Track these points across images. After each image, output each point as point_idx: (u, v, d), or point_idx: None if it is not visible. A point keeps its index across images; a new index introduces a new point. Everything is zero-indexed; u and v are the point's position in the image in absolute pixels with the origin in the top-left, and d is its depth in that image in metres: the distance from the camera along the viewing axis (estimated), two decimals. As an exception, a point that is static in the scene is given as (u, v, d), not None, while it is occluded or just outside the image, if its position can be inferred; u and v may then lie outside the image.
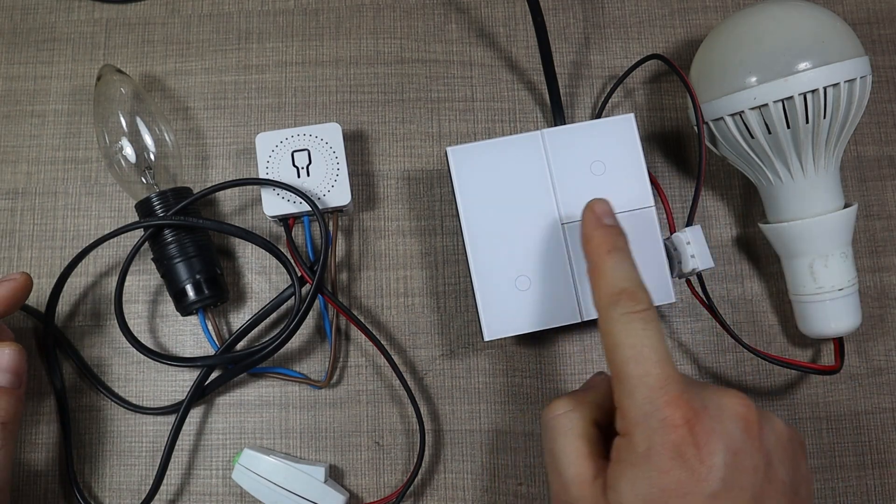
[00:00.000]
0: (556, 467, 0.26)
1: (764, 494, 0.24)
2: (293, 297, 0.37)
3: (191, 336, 0.39)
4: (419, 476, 0.37)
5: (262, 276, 0.39)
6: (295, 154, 0.37)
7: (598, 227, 0.28)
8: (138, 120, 0.37)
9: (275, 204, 0.37)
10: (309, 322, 0.39)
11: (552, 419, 0.27)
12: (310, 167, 0.37)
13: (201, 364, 0.36)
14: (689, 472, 0.23)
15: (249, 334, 0.38)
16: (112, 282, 0.39)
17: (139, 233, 0.36)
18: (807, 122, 0.34)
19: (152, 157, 0.37)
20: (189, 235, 0.36)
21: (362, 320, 0.38)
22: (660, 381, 0.24)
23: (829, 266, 0.35)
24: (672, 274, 0.34)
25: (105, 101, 0.37)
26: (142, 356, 0.38)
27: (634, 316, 0.25)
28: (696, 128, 0.37)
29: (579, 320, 0.34)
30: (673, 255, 0.35)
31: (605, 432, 0.27)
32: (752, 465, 0.24)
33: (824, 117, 0.33)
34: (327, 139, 0.37)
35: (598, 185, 0.34)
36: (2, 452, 0.31)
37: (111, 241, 0.39)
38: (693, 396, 0.24)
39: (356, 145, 0.41)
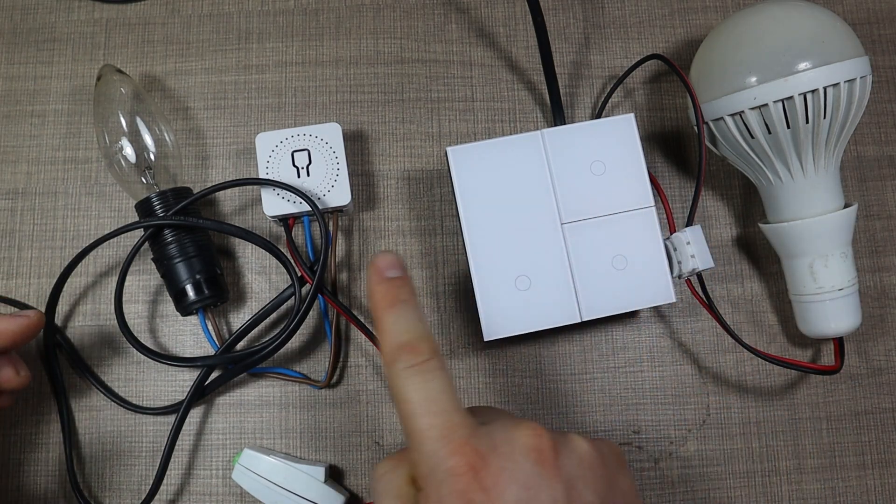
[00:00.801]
0: None
1: None
2: (293, 297, 0.37)
3: (191, 336, 0.39)
4: (419, 476, 0.37)
5: (262, 276, 0.39)
6: (295, 154, 0.37)
7: (380, 282, 0.27)
8: (138, 120, 0.37)
9: (275, 204, 0.37)
10: (309, 322, 0.39)
11: (374, 482, 0.27)
12: (310, 167, 0.37)
13: (201, 364, 0.36)
14: None
15: (249, 334, 0.38)
16: (112, 282, 0.39)
17: (139, 233, 0.36)
18: (807, 122, 0.34)
19: (152, 157, 0.37)
20: (189, 235, 0.36)
21: (362, 320, 0.38)
22: (443, 431, 0.24)
23: (829, 266, 0.35)
24: (672, 274, 0.34)
25: (105, 101, 0.37)
26: (142, 356, 0.38)
27: (414, 369, 0.25)
28: (696, 128, 0.37)
29: (579, 320, 0.34)
30: (673, 255, 0.35)
31: None
32: (550, 497, 0.23)
33: (824, 117, 0.33)
34: (327, 139, 0.37)
35: (598, 185, 0.35)
36: None
37: (111, 241, 0.39)
38: (481, 440, 0.24)
39: (356, 145, 0.41)
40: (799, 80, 0.33)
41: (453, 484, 0.23)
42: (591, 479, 0.24)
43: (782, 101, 0.34)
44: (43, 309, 0.37)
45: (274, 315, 0.38)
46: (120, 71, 0.38)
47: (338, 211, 0.38)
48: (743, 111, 0.34)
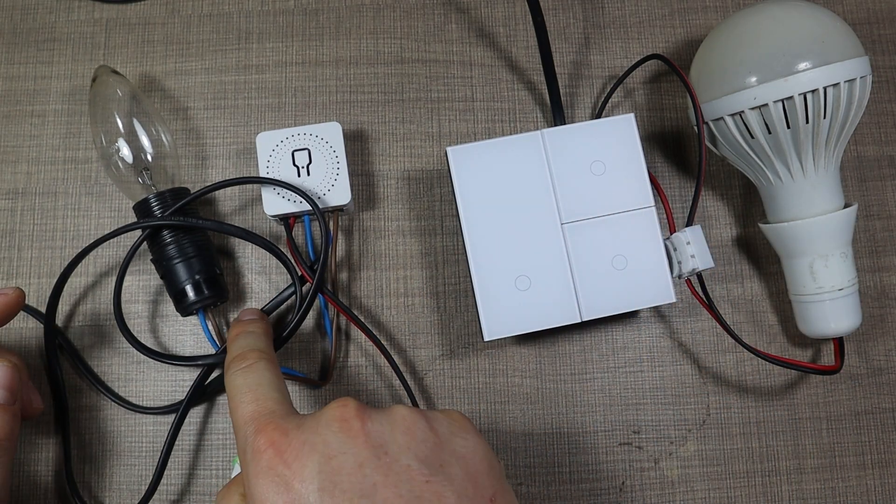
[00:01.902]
0: None
1: (377, 488, 0.22)
2: (293, 297, 0.37)
3: (191, 336, 0.39)
4: (419, 476, 0.37)
5: (262, 276, 0.39)
6: (295, 153, 0.37)
7: (236, 324, 0.33)
8: (134, 121, 0.37)
9: (275, 203, 0.37)
10: (309, 321, 0.39)
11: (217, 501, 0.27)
12: (310, 167, 0.37)
13: (201, 363, 0.36)
14: (285, 493, 0.22)
15: (249, 334, 0.38)
16: (112, 282, 0.39)
17: (139, 233, 0.36)
18: (807, 122, 0.34)
19: (149, 157, 0.37)
20: (188, 236, 0.36)
21: (362, 319, 0.38)
22: (253, 415, 0.25)
23: (829, 266, 0.35)
24: (672, 274, 0.34)
25: (101, 102, 0.37)
26: (142, 356, 0.38)
27: (238, 371, 0.28)
28: (696, 128, 0.37)
29: (579, 320, 0.34)
30: (673, 255, 0.35)
31: None
32: (356, 463, 0.23)
33: (824, 117, 0.33)
34: (328, 138, 0.37)
35: (598, 186, 0.35)
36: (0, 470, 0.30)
37: (111, 241, 0.39)
38: (286, 420, 0.24)
39: (356, 145, 0.41)
40: (799, 80, 0.33)
41: (258, 462, 0.23)
42: (410, 444, 0.24)
43: (782, 101, 0.34)
44: (43, 309, 0.37)
45: (274, 315, 0.38)
46: (115, 72, 0.38)
47: (338, 210, 0.38)
48: (743, 111, 0.34)
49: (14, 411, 0.32)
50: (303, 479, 0.22)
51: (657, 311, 0.39)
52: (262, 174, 0.37)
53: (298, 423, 0.24)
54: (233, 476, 0.35)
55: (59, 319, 0.39)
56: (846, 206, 0.36)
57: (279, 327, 0.38)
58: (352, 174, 0.40)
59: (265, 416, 0.25)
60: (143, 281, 0.39)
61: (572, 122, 0.41)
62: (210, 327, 0.37)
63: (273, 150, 0.37)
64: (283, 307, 0.38)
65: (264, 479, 0.23)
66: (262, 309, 0.38)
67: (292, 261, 0.37)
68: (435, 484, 0.23)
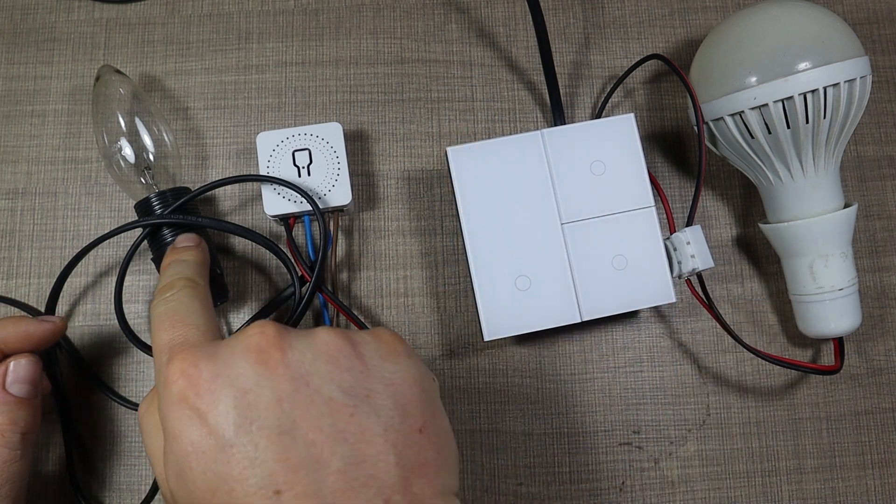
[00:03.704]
0: (152, 468, 0.25)
1: (296, 422, 0.21)
2: (293, 296, 0.37)
3: (191, 336, 0.39)
4: (419, 476, 0.37)
5: (262, 276, 0.39)
6: (296, 153, 0.37)
7: (170, 252, 0.32)
8: (137, 120, 0.37)
9: (275, 203, 0.37)
10: (309, 321, 0.39)
11: (139, 421, 0.26)
12: (310, 167, 0.37)
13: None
14: (198, 427, 0.21)
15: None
16: (112, 281, 0.39)
17: (139, 232, 0.36)
18: (807, 122, 0.34)
19: (151, 157, 0.37)
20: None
21: (362, 319, 0.38)
22: (168, 343, 0.24)
23: (829, 266, 0.35)
24: (672, 274, 0.34)
25: (104, 101, 0.37)
26: (142, 355, 0.38)
27: (162, 301, 0.27)
28: (696, 128, 0.37)
29: (579, 320, 0.34)
30: (673, 255, 0.35)
31: None
32: (274, 397, 0.21)
33: (824, 117, 0.33)
34: (328, 139, 0.37)
35: (598, 185, 0.35)
36: (21, 462, 0.31)
37: (111, 240, 0.39)
38: (199, 349, 0.23)
39: (356, 145, 0.41)
40: (799, 80, 0.33)
41: (170, 392, 0.22)
42: (333, 372, 0.22)
43: (782, 101, 0.34)
44: (43, 309, 0.37)
45: (274, 314, 0.38)
46: (118, 71, 0.38)
47: (338, 210, 0.38)
48: (743, 111, 0.34)
49: (36, 405, 0.32)
50: (217, 413, 0.21)
51: (657, 311, 0.39)
52: (263, 174, 0.37)
53: (211, 352, 0.23)
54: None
55: (59, 319, 0.39)
56: (846, 206, 0.36)
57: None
58: (352, 174, 0.40)
59: (178, 344, 0.24)
60: (143, 280, 0.39)
61: (572, 122, 0.41)
62: (210, 327, 0.37)
63: (273, 150, 0.37)
64: (283, 307, 0.38)
65: (177, 410, 0.22)
66: (262, 309, 0.38)
67: (292, 260, 0.37)
68: (359, 416, 0.22)
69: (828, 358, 0.39)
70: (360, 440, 0.21)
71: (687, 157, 0.41)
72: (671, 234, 0.35)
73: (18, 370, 0.32)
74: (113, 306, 0.37)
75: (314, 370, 0.22)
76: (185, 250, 0.32)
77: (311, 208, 0.36)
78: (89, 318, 0.39)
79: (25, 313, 0.38)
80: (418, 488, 0.22)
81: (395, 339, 0.25)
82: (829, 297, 0.35)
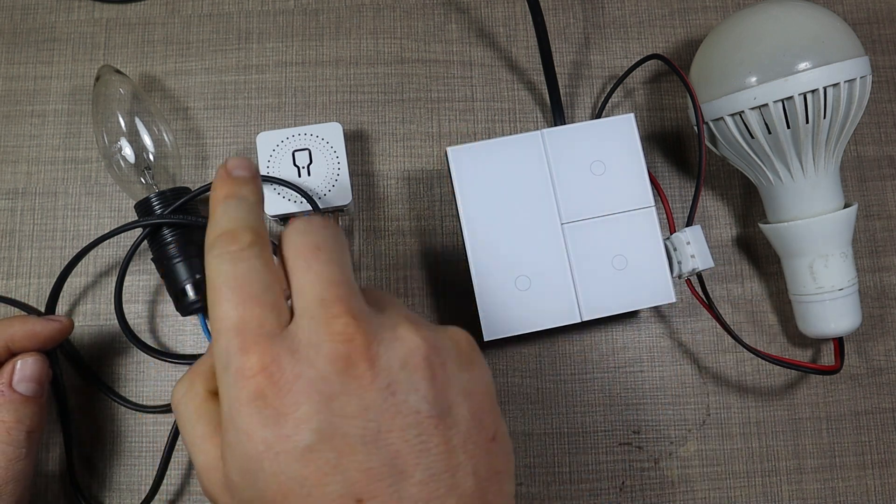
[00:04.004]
0: (191, 456, 0.23)
1: (381, 433, 0.20)
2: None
3: (191, 336, 0.39)
4: (419, 476, 0.37)
5: (262, 276, 0.39)
6: (296, 153, 0.37)
7: (223, 180, 0.25)
8: (137, 120, 0.37)
9: (276, 203, 0.37)
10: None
11: (174, 408, 0.24)
12: (310, 167, 0.37)
13: (201, 364, 0.36)
14: (274, 428, 0.20)
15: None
16: (112, 281, 0.39)
17: (139, 232, 0.36)
18: (807, 122, 0.34)
19: (151, 157, 0.37)
20: (188, 235, 0.36)
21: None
22: (240, 322, 0.21)
23: (829, 266, 0.35)
24: (672, 274, 0.34)
25: (104, 101, 0.37)
26: (142, 355, 0.38)
27: (226, 255, 0.23)
28: (696, 128, 0.37)
29: (579, 320, 0.34)
30: (673, 255, 0.35)
31: None
32: (360, 407, 0.20)
33: (824, 117, 0.33)
34: (328, 139, 0.37)
35: (598, 185, 0.35)
36: (26, 461, 0.31)
37: (110, 240, 0.39)
38: (278, 342, 0.21)
39: (356, 145, 0.41)
40: (799, 80, 0.33)
41: (242, 386, 0.20)
42: (418, 382, 0.21)
43: (782, 101, 0.34)
44: (43, 309, 0.37)
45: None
46: (118, 71, 0.38)
47: (338, 210, 0.38)
48: (743, 111, 0.34)
49: (42, 403, 0.32)
50: (298, 418, 0.20)
51: (657, 311, 0.39)
52: (263, 174, 0.37)
53: (293, 347, 0.21)
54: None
55: (60, 319, 0.39)
56: (846, 206, 0.36)
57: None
58: (352, 174, 0.40)
59: (254, 329, 0.21)
60: (143, 280, 0.39)
61: (572, 122, 0.41)
62: (210, 327, 0.37)
63: (273, 150, 0.37)
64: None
65: (249, 407, 0.20)
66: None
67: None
68: (442, 428, 0.21)
69: (828, 358, 0.39)
70: (441, 451, 0.21)
71: (687, 157, 0.41)
72: (671, 234, 0.35)
73: (25, 369, 0.32)
74: (113, 306, 0.37)
75: (401, 380, 0.21)
76: (244, 183, 0.25)
77: (311, 208, 0.36)
78: (89, 318, 0.39)
79: (26, 313, 0.38)
80: (492, 497, 0.22)
81: (470, 345, 0.24)
82: (829, 297, 0.35)
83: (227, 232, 0.23)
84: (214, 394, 0.23)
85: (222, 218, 0.24)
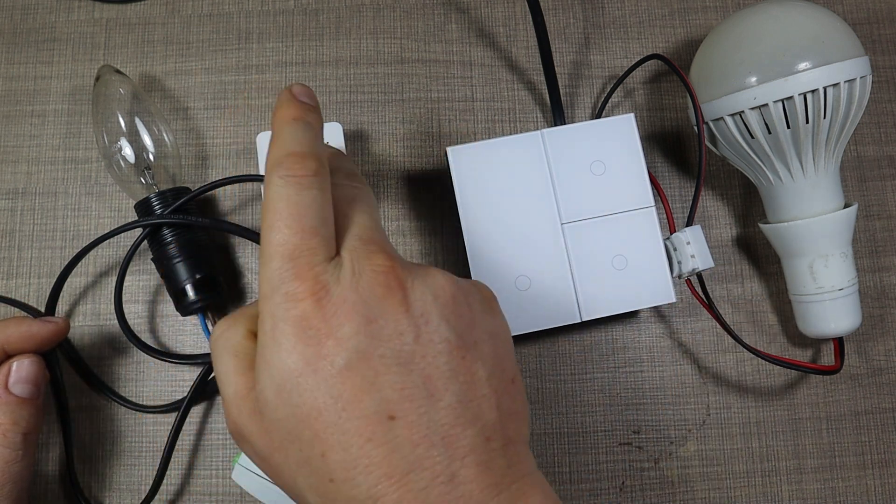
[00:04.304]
0: (220, 388, 0.24)
1: (414, 357, 0.22)
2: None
3: (191, 336, 0.39)
4: (419, 476, 0.37)
5: (262, 276, 0.39)
6: (295, 154, 0.37)
7: (291, 101, 0.26)
8: (137, 120, 0.37)
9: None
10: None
11: (212, 343, 0.25)
12: (310, 167, 0.37)
13: (201, 361, 0.36)
14: (315, 347, 0.21)
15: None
16: (112, 281, 0.39)
17: (139, 232, 0.36)
18: (807, 122, 0.34)
19: (151, 157, 0.37)
20: (188, 235, 0.36)
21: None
22: (294, 250, 0.22)
23: (829, 266, 0.35)
24: (672, 274, 0.34)
25: (104, 101, 0.37)
26: (142, 356, 0.38)
27: (292, 179, 0.23)
28: (696, 128, 0.37)
29: (579, 320, 0.34)
30: (673, 255, 0.35)
31: None
32: (396, 331, 0.22)
33: (824, 117, 0.33)
34: (329, 139, 0.37)
35: (598, 185, 0.35)
36: (23, 462, 0.31)
37: (110, 240, 0.39)
38: (326, 270, 0.22)
39: (356, 145, 0.41)
40: (799, 80, 0.33)
41: (289, 308, 0.22)
42: (449, 316, 0.23)
43: (782, 101, 0.34)
44: (43, 309, 0.37)
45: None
46: (118, 71, 0.38)
47: (338, 211, 0.38)
48: (743, 111, 0.34)
49: (39, 405, 0.32)
50: (339, 338, 0.21)
51: (657, 311, 0.39)
52: (263, 174, 0.37)
53: (338, 276, 0.22)
54: (233, 475, 0.35)
55: (60, 319, 0.39)
56: (846, 206, 0.36)
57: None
58: (352, 174, 0.40)
59: (308, 258, 0.22)
60: (143, 280, 0.39)
61: (572, 122, 0.41)
62: (210, 327, 0.37)
63: (273, 150, 0.37)
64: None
65: (294, 327, 0.21)
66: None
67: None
68: (469, 360, 0.23)
69: (828, 358, 0.39)
70: (469, 381, 0.22)
71: (687, 157, 0.41)
72: (671, 234, 0.35)
73: (21, 370, 0.32)
74: (113, 306, 0.37)
75: (432, 311, 0.23)
76: (310, 110, 0.26)
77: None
78: (89, 318, 0.39)
79: (26, 313, 0.38)
80: (512, 432, 0.23)
81: (492, 296, 0.26)
82: (829, 297, 0.35)
83: (294, 154, 0.23)
84: (253, 334, 0.24)
85: (290, 139, 0.24)
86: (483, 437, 0.22)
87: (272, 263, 0.22)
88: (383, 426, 0.21)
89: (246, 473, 0.35)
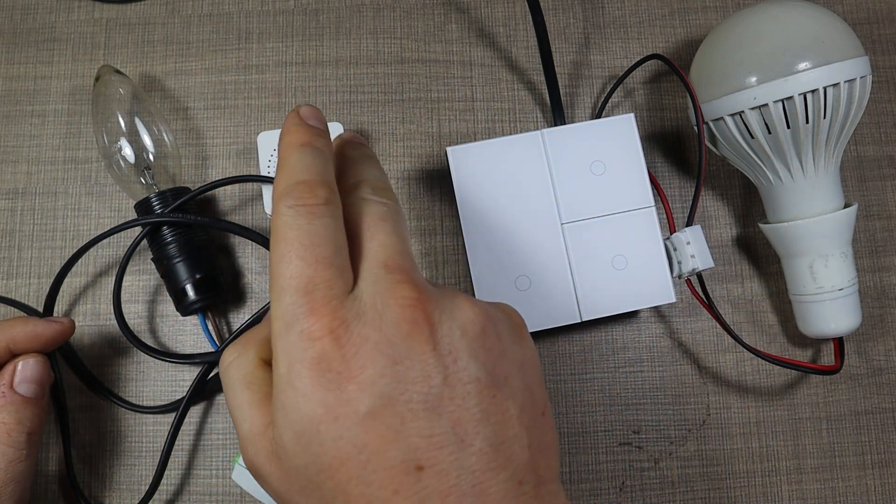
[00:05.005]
0: (235, 424, 0.23)
1: (442, 400, 0.20)
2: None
3: (191, 336, 0.39)
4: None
5: (261, 276, 0.39)
6: (295, 154, 0.37)
7: (299, 125, 0.24)
8: (137, 120, 0.37)
9: (275, 204, 0.37)
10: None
11: (221, 373, 0.24)
12: (310, 167, 0.37)
13: (200, 361, 0.36)
14: (336, 392, 0.20)
15: (249, 334, 0.38)
16: (111, 281, 0.39)
17: (138, 231, 0.36)
18: (807, 122, 0.34)
19: (151, 157, 0.37)
20: (188, 234, 0.36)
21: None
22: (308, 283, 0.20)
23: (829, 266, 0.35)
24: (672, 274, 0.34)
25: (103, 101, 0.37)
26: (142, 356, 0.38)
27: (302, 209, 0.21)
28: (696, 128, 0.37)
29: (579, 320, 0.34)
30: (673, 255, 0.35)
31: None
32: (423, 373, 0.20)
33: (824, 117, 0.33)
34: (327, 139, 0.37)
35: (598, 185, 0.35)
36: (26, 462, 0.31)
37: (110, 240, 0.39)
38: (344, 304, 0.21)
39: (356, 145, 0.41)
40: (799, 80, 0.33)
41: (308, 348, 0.20)
42: (477, 352, 0.21)
43: (782, 101, 0.34)
44: (41, 309, 0.37)
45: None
46: (118, 71, 0.38)
47: (338, 211, 0.38)
48: (743, 111, 0.34)
49: (43, 405, 0.32)
50: (361, 382, 0.20)
51: (657, 311, 0.39)
52: (264, 174, 0.37)
53: (359, 311, 0.21)
54: (233, 475, 0.35)
55: (59, 319, 0.39)
56: (846, 206, 0.36)
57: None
58: (352, 174, 0.40)
59: (323, 291, 0.20)
60: (142, 280, 0.39)
61: (572, 122, 0.41)
62: (210, 327, 0.37)
63: (274, 150, 0.37)
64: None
65: (312, 369, 0.20)
66: (262, 308, 0.38)
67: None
68: (500, 398, 0.21)
69: (828, 358, 0.39)
70: (500, 421, 0.21)
71: (687, 157, 0.41)
72: (671, 234, 0.35)
73: (26, 370, 0.32)
74: (112, 306, 0.37)
75: (461, 347, 0.21)
76: (320, 134, 0.24)
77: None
78: (89, 318, 0.39)
79: (25, 313, 0.38)
80: (543, 470, 0.22)
81: (520, 320, 0.25)
82: (829, 297, 0.35)
83: (304, 182, 0.22)
84: (266, 362, 0.23)
85: (298, 166, 0.23)
86: (515, 480, 0.21)
87: (285, 298, 0.21)
88: (411, 477, 0.20)
89: (246, 473, 0.35)
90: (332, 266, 0.21)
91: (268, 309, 0.37)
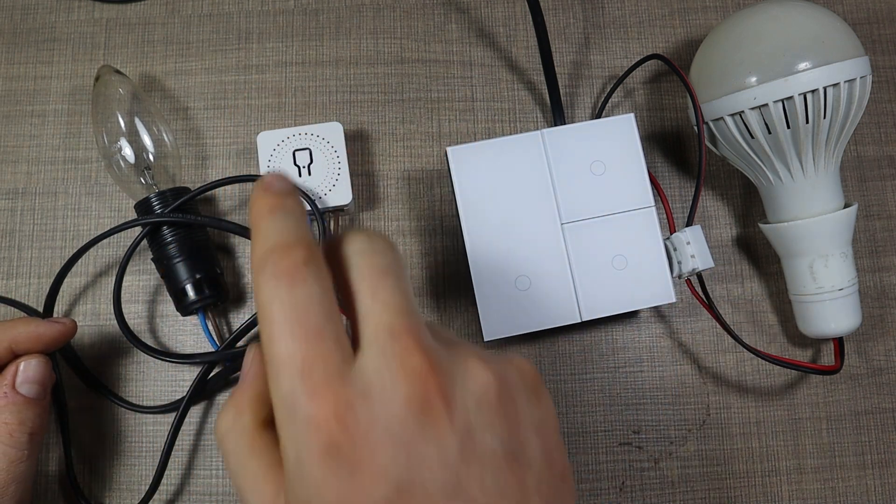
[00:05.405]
0: (241, 494, 0.21)
1: (460, 481, 0.19)
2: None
3: (191, 336, 0.39)
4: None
5: (262, 276, 0.39)
6: (296, 153, 0.37)
7: (262, 193, 0.22)
8: (137, 120, 0.37)
9: (275, 204, 0.37)
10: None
11: (219, 441, 0.22)
12: (311, 166, 0.37)
13: (200, 361, 0.36)
14: (348, 481, 0.18)
15: (250, 333, 0.38)
16: (111, 281, 0.39)
17: (138, 232, 0.36)
18: (807, 122, 0.34)
19: (151, 157, 0.37)
20: (188, 234, 0.36)
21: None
22: (304, 363, 0.19)
23: (829, 266, 0.35)
24: (672, 274, 0.34)
25: (103, 101, 0.37)
26: (142, 356, 0.38)
27: (281, 278, 0.20)
28: (696, 128, 0.37)
29: (579, 320, 0.34)
30: (673, 255, 0.35)
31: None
32: (438, 454, 0.19)
33: (824, 117, 0.33)
34: (329, 138, 0.37)
35: (598, 185, 0.35)
36: (28, 462, 0.31)
37: (110, 240, 0.39)
38: (348, 383, 0.19)
39: (356, 145, 0.41)
40: (799, 80, 0.33)
41: (312, 435, 0.19)
42: (494, 419, 0.20)
43: (782, 101, 0.34)
44: (41, 309, 0.37)
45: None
46: (118, 71, 0.38)
47: (339, 210, 0.38)
48: (743, 111, 0.34)
49: (45, 405, 0.32)
50: (373, 470, 0.18)
51: (657, 311, 0.39)
52: (263, 174, 0.37)
53: (364, 389, 0.19)
54: None
55: (59, 319, 0.39)
56: (846, 206, 0.36)
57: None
58: (352, 174, 0.40)
59: (320, 368, 0.19)
60: (142, 280, 0.39)
61: (572, 122, 0.41)
62: (210, 327, 0.37)
63: (274, 150, 0.37)
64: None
65: (321, 457, 0.19)
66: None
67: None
68: (517, 470, 0.20)
69: (828, 358, 0.39)
70: (517, 494, 0.20)
71: (687, 157, 0.41)
72: (671, 234, 0.35)
73: (28, 370, 0.32)
74: (112, 306, 0.37)
75: (477, 421, 0.20)
76: (287, 195, 0.22)
77: (310, 208, 0.36)
78: (89, 318, 0.39)
79: (25, 314, 0.38)
80: None
81: (536, 378, 0.23)
82: (829, 297, 0.35)
83: (278, 245, 0.20)
84: (265, 423, 0.22)
85: (269, 231, 0.21)
86: None
87: (283, 382, 0.19)
88: None
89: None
90: (324, 338, 0.19)
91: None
